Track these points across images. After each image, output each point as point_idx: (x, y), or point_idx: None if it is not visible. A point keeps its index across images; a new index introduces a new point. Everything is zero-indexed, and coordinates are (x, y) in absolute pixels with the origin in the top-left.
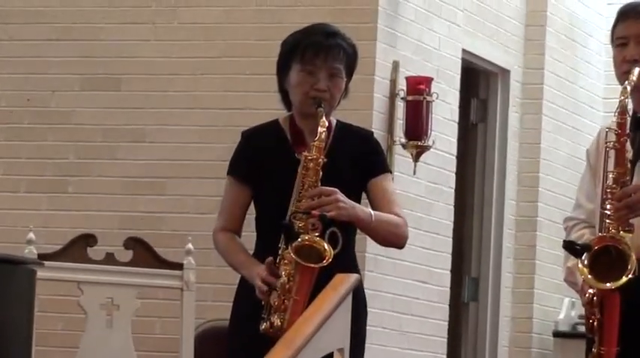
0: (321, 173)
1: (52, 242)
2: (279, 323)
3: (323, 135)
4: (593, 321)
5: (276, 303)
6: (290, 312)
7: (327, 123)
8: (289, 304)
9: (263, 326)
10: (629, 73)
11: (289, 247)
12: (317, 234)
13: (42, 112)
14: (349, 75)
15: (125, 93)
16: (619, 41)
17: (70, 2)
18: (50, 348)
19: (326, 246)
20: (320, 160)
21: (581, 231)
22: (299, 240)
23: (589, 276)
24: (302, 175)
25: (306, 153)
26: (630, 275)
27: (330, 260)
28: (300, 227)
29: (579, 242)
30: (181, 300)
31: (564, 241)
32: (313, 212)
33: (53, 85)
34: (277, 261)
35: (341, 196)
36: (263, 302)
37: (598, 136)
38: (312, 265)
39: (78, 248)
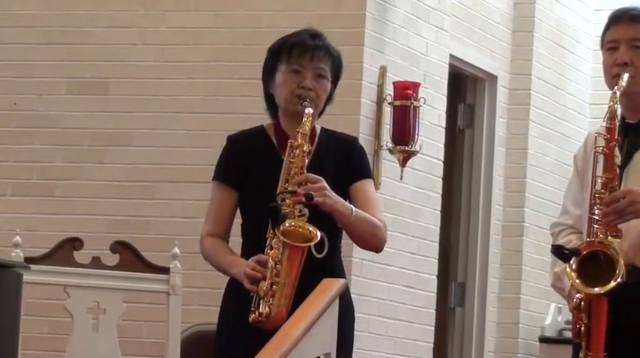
0: (306, 160)
1: (39, 245)
2: (268, 310)
3: (307, 124)
4: (580, 326)
5: (265, 290)
6: (278, 296)
7: (311, 112)
8: (277, 288)
9: (252, 317)
10: (619, 76)
11: (276, 230)
12: (305, 220)
13: (29, 116)
14: (334, 81)
15: (113, 97)
16: (610, 45)
17: (58, 6)
18: (36, 352)
19: (311, 228)
20: (305, 147)
21: (568, 237)
22: (285, 224)
23: (577, 281)
24: (288, 162)
25: (291, 141)
26: (619, 280)
27: (317, 240)
28: (286, 213)
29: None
30: (168, 304)
31: (553, 246)
32: (298, 190)
33: (40, 89)
34: (265, 251)
35: (326, 185)
36: (252, 294)
37: (585, 142)
38: (300, 244)
39: (64, 251)
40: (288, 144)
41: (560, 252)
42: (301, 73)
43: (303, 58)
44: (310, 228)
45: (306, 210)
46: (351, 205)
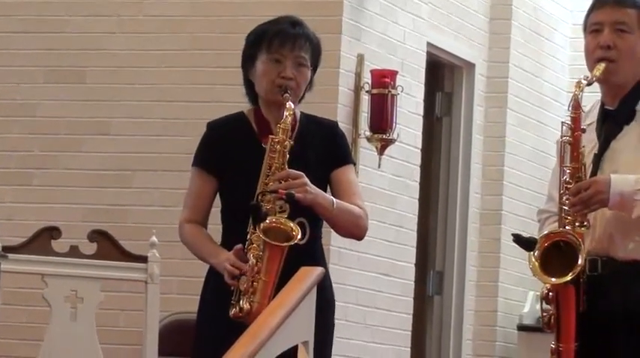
0: (287, 156)
1: (16, 234)
2: (249, 307)
3: (289, 119)
4: (550, 317)
5: (245, 287)
6: (259, 294)
7: (292, 107)
8: (258, 286)
9: (232, 312)
10: (602, 60)
11: (257, 228)
12: (285, 216)
13: (6, 105)
14: (314, 68)
15: (90, 86)
16: (593, 27)
17: None
18: (14, 341)
19: (293, 225)
20: (286, 143)
21: (554, 225)
22: (266, 221)
23: (539, 270)
24: (269, 158)
25: (272, 136)
26: (578, 269)
27: (299, 238)
28: (267, 209)
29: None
30: (145, 293)
31: (512, 235)
32: (280, 191)
33: (18, 78)
34: (246, 246)
35: (307, 180)
36: (232, 288)
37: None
38: (281, 244)
39: (42, 240)
40: (269, 139)
41: (521, 241)
42: (282, 62)
43: (284, 47)
44: (292, 225)
45: (286, 206)
46: (332, 197)
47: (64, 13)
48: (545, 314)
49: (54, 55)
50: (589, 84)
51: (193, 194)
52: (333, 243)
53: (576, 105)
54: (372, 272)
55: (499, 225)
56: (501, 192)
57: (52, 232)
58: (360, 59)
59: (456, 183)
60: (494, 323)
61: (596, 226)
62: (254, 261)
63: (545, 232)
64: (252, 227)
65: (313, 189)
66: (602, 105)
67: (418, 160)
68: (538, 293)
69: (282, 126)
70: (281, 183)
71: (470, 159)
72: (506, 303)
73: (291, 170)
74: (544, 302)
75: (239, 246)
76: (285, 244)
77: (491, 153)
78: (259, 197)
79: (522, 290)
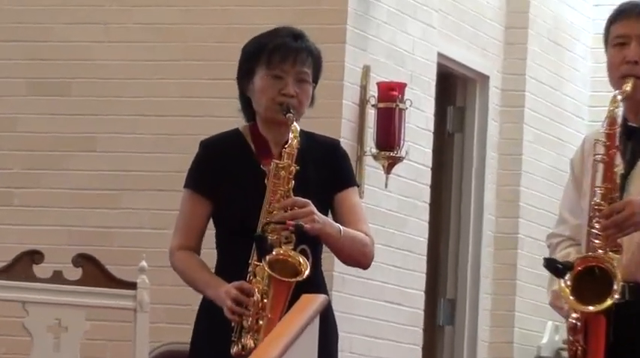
0: (293, 182)
1: None
2: (252, 345)
3: (295, 142)
4: (577, 349)
5: (249, 324)
6: (264, 332)
7: (298, 130)
8: (263, 323)
9: (234, 350)
10: (629, 76)
11: (263, 261)
12: (291, 248)
13: None
14: (315, 81)
15: (75, 99)
16: (618, 40)
17: (16, 0)
18: None
19: (301, 259)
20: (292, 168)
21: (567, 250)
22: (273, 253)
23: (571, 298)
24: (273, 184)
25: (277, 161)
26: (616, 297)
27: (307, 274)
28: (272, 240)
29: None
30: (134, 322)
31: (545, 259)
32: (288, 222)
33: None
34: (247, 277)
35: (314, 209)
36: (233, 324)
37: (583, 145)
38: (288, 279)
39: (23, 265)
40: (273, 163)
41: (552, 267)
42: (283, 78)
43: (285, 62)
44: (300, 259)
45: (292, 236)
46: (338, 225)
47: (48, 20)
48: (571, 346)
49: (36, 66)
50: (622, 99)
51: (185, 218)
52: (337, 268)
53: (612, 122)
54: (378, 301)
55: (515, 250)
56: (517, 214)
57: (34, 256)
58: (366, 71)
59: (468, 205)
60: (510, 356)
61: (624, 251)
62: (258, 296)
63: (581, 255)
64: (255, 258)
65: (320, 217)
66: (625, 121)
67: (428, 180)
68: (557, 323)
69: (288, 151)
70: (286, 211)
71: (483, 179)
72: (523, 334)
73: (297, 198)
74: (570, 334)
75: (243, 282)
76: (293, 280)
77: (507, 172)
78: (264, 227)
79: (540, 320)
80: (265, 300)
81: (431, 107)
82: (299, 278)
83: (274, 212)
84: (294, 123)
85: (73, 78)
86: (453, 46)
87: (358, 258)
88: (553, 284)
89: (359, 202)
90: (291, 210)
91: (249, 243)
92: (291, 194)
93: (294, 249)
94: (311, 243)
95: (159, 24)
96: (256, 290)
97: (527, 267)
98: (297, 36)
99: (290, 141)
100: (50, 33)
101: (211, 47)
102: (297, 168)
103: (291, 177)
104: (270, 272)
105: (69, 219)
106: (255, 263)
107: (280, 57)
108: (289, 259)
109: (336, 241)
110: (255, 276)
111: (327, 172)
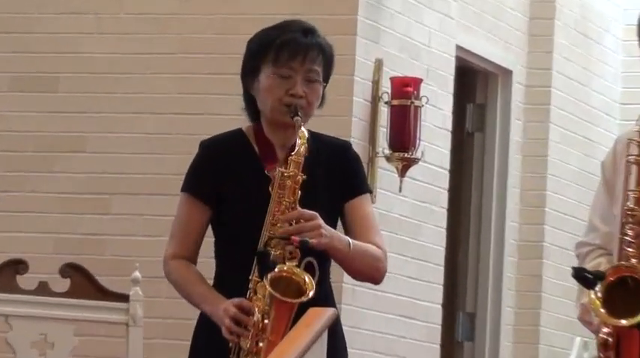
0: (299, 192)
1: None
2: None
3: (302, 149)
4: None
5: (249, 346)
6: (264, 355)
7: (307, 135)
8: (263, 346)
9: None
10: None
11: (264, 278)
12: (295, 264)
13: None
14: (325, 80)
15: (63, 95)
16: None
17: None
18: None
19: (307, 278)
20: (298, 178)
21: (598, 260)
22: (276, 270)
23: (601, 310)
24: (277, 194)
25: (282, 169)
26: None
27: (312, 295)
28: (276, 256)
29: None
30: (127, 337)
31: (574, 268)
32: (293, 238)
33: None
34: (247, 294)
35: (321, 222)
36: (231, 344)
37: (615, 147)
38: (291, 300)
39: (6, 276)
40: (278, 172)
41: (582, 277)
42: (291, 77)
43: (294, 60)
44: (305, 278)
45: (297, 251)
46: (347, 238)
47: (34, 10)
48: None
49: (21, 59)
50: None
51: (182, 225)
52: (346, 280)
53: None
54: (391, 314)
55: (540, 260)
56: (543, 221)
57: (18, 266)
58: (378, 65)
59: (489, 210)
60: None
61: None
62: (259, 316)
63: (613, 265)
64: (256, 274)
65: (328, 231)
66: None
67: (446, 183)
68: (586, 339)
69: (295, 159)
70: (291, 224)
71: (506, 182)
72: (549, 351)
73: (304, 211)
74: (601, 351)
75: (243, 300)
76: (297, 301)
77: (531, 175)
78: (267, 242)
79: (567, 336)
80: (266, 321)
81: (449, 104)
82: (303, 299)
83: (278, 225)
84: (302, 127)
85: (60, 72)
86: (473, 37)
87: (369, 273)
88: (582, 297)
89: (372, 211)
90: (296, 223)
91: (250, 253)
92: (297, 206)
93: (299, 264)
94: (318, 255)
95: (153, 14)
96: (257, 309)
97: (554, 278)
98: (308, 31)
99: (297, 148)
100: (36, 23)
101: (210, 39)
102: (304, 177)
103: (297, 187)
104: (273, 291)
105: (56, 225)
106: (256, 279)
107: (289, 54)
108: (293, 277)
109: (345, 256)
110: (255, 293)
111: (337, 178)
